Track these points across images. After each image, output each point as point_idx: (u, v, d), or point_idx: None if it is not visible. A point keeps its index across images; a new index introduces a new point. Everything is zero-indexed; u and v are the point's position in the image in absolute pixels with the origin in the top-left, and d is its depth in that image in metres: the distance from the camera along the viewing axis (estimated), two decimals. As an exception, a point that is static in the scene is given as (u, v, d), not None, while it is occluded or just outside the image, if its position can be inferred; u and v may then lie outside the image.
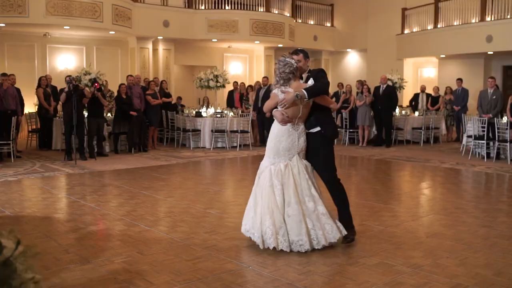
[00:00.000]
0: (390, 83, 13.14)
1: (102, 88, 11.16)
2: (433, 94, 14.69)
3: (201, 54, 17.60)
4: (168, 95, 13.14)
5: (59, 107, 11.48)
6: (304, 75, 4.56)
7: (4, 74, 10.05)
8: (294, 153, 4.40)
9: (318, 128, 4.47)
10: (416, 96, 15.14)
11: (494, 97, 10.68)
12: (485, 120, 10.40)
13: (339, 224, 4.44)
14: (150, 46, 15.68)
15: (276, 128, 4.46)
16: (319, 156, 4.48)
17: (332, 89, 18.34)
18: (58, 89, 11.18)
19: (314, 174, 4.54)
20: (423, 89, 15.00)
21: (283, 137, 4.39)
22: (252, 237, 4.39)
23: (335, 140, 4.86)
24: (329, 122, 4.60)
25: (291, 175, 4.33)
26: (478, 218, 5.59)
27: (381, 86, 12.70)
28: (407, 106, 15.11)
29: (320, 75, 4.48)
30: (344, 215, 4.53)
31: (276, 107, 4.42)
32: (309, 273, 3.83)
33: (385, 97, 12.51)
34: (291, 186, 4.31)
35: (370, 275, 3.81)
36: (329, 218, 4.36)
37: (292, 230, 4.24)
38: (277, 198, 4.29)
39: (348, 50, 20.24)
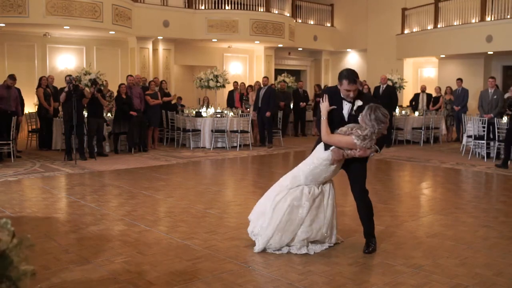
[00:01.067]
0: (390, 83, 13.14)
1: (102, 88, 11.16)
2: (434, 94, 14.69)
3: (201, 54, 17.59)
4: (168, 95, 13.13)
5: (59, 107, 11.47)
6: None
7: (12, 77, 9.96)
8: (330, 180, 4.38)
9: None
10: (416, 96, 15.13)
11: (495, 97, 10.69)
12: (485, 120, 10.41)
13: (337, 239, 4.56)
14: (150, 46, 15.67)
15: (328, 159, 4.21)
16: (355, 166, 4.31)
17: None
18: (58, 89, 11.17)
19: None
20: (423, 89, 14.99)
21: (330, 168, 4.23)
22: (256, 241, 4.38)
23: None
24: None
25: (319, 200, 4.30)
26: (478, 218, 5.59)
27: (381, 86, 12.69)
28: (407, 106, 15.11)
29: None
30: (369, 227, 4.38)
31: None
32: (309, 273, 3.82)
33: (385, 97, 12.49)
34: (313, 211, 4.27)
35: (370, 275, 3.81)
36: (334, 239, 4.49)
37: (296, 245, 4.28)
38: (297, 218, 4.25)
39: (348, 50, 20.23)
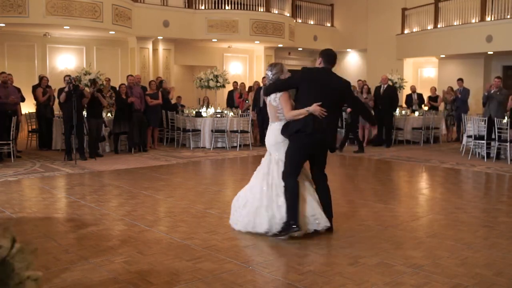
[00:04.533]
0: (390, 83, 13.12)
1: (102, 88, 11.14)
2: (431, 94, 14.66)
3: (201, 54, 17.60)
4: (165, 94, 13.07)
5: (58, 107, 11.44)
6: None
7: (3, 72, 9.98)
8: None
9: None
10: (408, 97, 14.94)
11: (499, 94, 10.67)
12: (486, 120, 10.40)
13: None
14: (150, 46, 15.67)
15: None
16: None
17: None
18: (58, 89, 11.15)
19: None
20: (413, 90, 14.80)
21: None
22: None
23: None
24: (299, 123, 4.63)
25: (266, 165, 4.87)
26: (478, 218, 5.60)
27: (382, 86, 12.69)
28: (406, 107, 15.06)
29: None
30: (289, 210, 4.57)
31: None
32: (309, 273, 3.83)
33: (386, 98, 12.49)
34: (260, 172, 4.88)
35: (370, 275, 3.81)
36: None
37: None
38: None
39: (348, 50, 20.23)
